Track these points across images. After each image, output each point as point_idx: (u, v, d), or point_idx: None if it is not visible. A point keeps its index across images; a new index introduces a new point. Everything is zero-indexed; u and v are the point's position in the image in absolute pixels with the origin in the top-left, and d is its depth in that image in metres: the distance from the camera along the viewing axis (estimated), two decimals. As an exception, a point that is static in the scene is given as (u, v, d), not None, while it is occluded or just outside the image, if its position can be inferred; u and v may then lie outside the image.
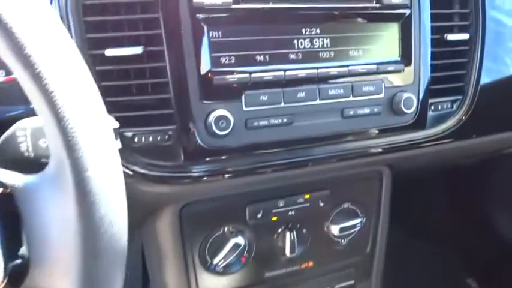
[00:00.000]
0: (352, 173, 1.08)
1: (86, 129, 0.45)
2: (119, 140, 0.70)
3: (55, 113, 0.42)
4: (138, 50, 0.76)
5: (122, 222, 0.49)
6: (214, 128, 0.79)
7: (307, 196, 1.05)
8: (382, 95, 0.93)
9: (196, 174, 0.83)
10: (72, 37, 0.74)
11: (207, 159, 0.83)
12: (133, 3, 0.77)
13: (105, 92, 0.76)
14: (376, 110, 0.93)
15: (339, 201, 1.10)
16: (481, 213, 1.80)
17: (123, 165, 0.79)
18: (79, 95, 0.46)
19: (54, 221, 0.45)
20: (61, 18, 0.74)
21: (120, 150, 0.78)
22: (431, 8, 0.96)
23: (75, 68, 0.47)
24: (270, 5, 0.82)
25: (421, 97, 0.97)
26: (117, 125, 0.68)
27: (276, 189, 1.02)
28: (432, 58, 0.99)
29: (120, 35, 0.77)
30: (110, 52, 0.75)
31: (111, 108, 0.77)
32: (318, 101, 0.88)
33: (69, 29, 0.74)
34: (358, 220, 1.12)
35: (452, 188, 1.84)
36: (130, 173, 0.80)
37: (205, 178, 0.85)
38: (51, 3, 0.73)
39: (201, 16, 0.77)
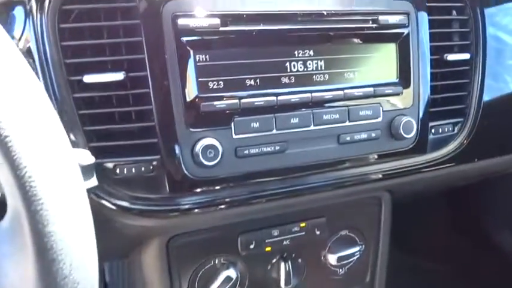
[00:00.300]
0: (350, 199, 1.03)
1: (47, 177, 0.39)
2: (94, 177, 0.65)
3: (10, 159, 0.37)
4: (119, 75, 0.71)
5: (91, 280, 0.43)
6: (201, 157, 0.74)
7: (302, 224, 0.99)
8: (380, 119, 0.88)
9: (183, 207, 0.78)
10: (49, 63, 0.69)
11: (195, 190, 0.78)
12: (114, 26, 0.72)
13: (83, 120, 0.72)
14: (374, 135, 0.88)
15: (336, 228, 1.05)
16: (483, 231, 1.75)
17: (104, 199, 0.74)
18: (38, 138, 0.41)
19: (10, 282, 0.39)
20: (37, 42, 0.69)
21: (101, 183, 0.73)
22: (429, 28, 0.92)
23: (33, 107, 0.41)
24: (261, 27, 0.78)
25: (420, 120, 0.92)
26: (92, 160, 0.63)
27: (269, 218, 0.96)
28: (432, 79, 0.95)
29: (100, 60, 0.72)
30: (89, 78, 0.70)
31: (89, 137, 0.73)
32: (312, 127, 0.83)
33: (45, 54, 0.69)
34: (357, 248, 1.07)
35: (452, 206, 1.79)
36: (112, 207, 0.75)
37: (193, 211, 0.79)
38: (24, 26, 0.68)
39: (186, 39, 0.73)
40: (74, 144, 0.71)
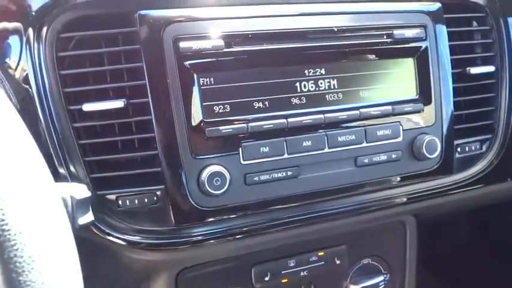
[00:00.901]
0: (372, 225, 0.96)
1: (21, 220, 0.35)
2: (90, 212, 0.61)
3: None
4: (119, 103, 0.68)
5: None
6: (207, 186, 0.69)
7: (321, 253, 0.93)
8: (400, 139, 0.82)
9: (190, 239, 0.73)
10: (47, 92, 0.67)
11: (202, 221, 0.73)
12: (113, 52, 0.69)
13: (83, 150, 0.69)
14: (394, 156, 0.82)
15: (357, 257, 0.98)
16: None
17: (108, 233, 0.70)
18: (12, 177, 0.36)
19: None
20: (34, 71, 0.66)
21: (104, 216, 0.70)
22: (449, 40, 0.87)
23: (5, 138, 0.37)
24: (268, 46, 0.74)
25: (445, 139, 0.86)
26: (88, 193, 0.59)
27: (285, 247, 0.90)
28: (455, 94, 0.88)
29: (100, 88, 0.69)
30: (88, 107, 0.67)
31: (90, 168, 0.69)
32: (326, 150, 0.77)
33: (43, 84, 0.67)
34: (381, 278, 0.99)
35: (480, 225, 1.68)
36: (117, 241, 0.70)
37: (201, 243, 0.74)
38: (20, 55, 0.66)
39: (189, 62, 0.69)
40: (74, 176, 0.68)
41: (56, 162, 0.67)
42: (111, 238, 0.70)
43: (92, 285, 0.92)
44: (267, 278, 0.89)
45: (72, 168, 0.67)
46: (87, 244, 0.71)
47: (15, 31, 0.67)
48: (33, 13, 0.66)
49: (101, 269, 0.83)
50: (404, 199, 0.86)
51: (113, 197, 0.70)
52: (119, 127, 0.70)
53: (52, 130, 0.67)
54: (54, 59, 0.67)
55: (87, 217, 0.58)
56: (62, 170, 0.67)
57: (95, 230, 0.69)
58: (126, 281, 0.90)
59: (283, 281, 0.90)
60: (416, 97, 0.84)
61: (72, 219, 0.54)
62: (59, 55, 0.67)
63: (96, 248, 0.73)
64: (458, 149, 0.90)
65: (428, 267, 1.47)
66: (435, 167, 0.86)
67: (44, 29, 0.66)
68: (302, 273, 0.91)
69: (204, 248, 0.77)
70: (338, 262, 0.94)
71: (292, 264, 0.90)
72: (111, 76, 0.70)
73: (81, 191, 0.57)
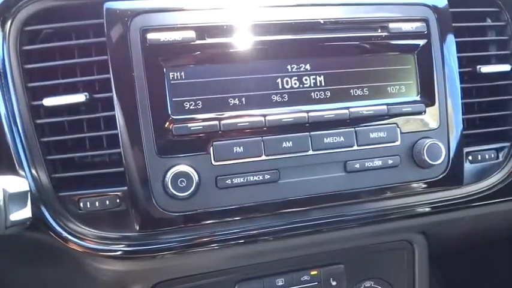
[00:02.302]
0: (372, 242, 0.86)
1: None
2: (28, 207, 0.56)
3: None
4: (80, 97, 0.64)
5: None
6: (171, 187, 0.63)
7: (314, 272, 0.83)
8: (397, 143, 0.73)
9: (156, 247, 0.67)
10: (9, 87, 0.64)
11: (169, 227, 0.66)
12: (78, 45, 0.66)
13: (45, 148, 0.65)
14: (391, 162, 0.73)
15: (357, 279, 0.87)
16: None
17: (67, 239, 0.65)
18: None
19: None
20: None
21: (63, 219, 0.65)
22: (457, 36, 0.78)
23: None
24: (245, 39, 0.68)
25: (451, 145, 0.76)
26: (25, 187, 0.55)
27: (274, 263, 0.82)
28: (466, 96, 0.79)
29: (62, 83, 0.66)
30: (49, 101, 0.64)
31: (51, 167, 0.65)
32: (310, 152, 0.70)
33: (6, 78, 0.64)
34: (385, 304, 0.88)
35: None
36: (77, 248, 0.65)
37: (167, 253, 0.68)
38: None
39: (157, 55, 0.65)
40: (34, 176, 0.64)
41: (16, 161, 0.64)
42: (71, 245, 0.65)
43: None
44: None
45: (32, 168, 0.64)
46: (49, 249, 0.66)
47: None
48: None
49: (70, 280, 0.78)
50: (405, 212, 0.76)
51: (74, 198, 0.65)
52: (79, 124, 0.67)
53: (13, 127, 0.64)
54: (18, 53, 0.64)
55: (23, 213, 0.53)
56: (21, 170, 0.63)
57: (53, 235, 0.64)
58: None
59: None
60: (417, 97, 0.75)
61: (4, 215, 0.49)
62: (23, 49, 0.65)
63: (58, 254, 0.68)
64: (470, 157, 0.80)
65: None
66: (441, 176, 0.76)
67: (8, 23, 0.64)
68: None
69: (177, 259, 0.71)
70: (334, 284, 0.84)
71: (280, 284, 0.82)
72: (75, 70, 0.66)
73: (18, 184, 0.53)
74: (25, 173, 0.64)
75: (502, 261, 1.48)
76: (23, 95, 0.65)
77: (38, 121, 0.65)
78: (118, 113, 0.64)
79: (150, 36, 0.65)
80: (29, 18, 0.65)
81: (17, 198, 0.52)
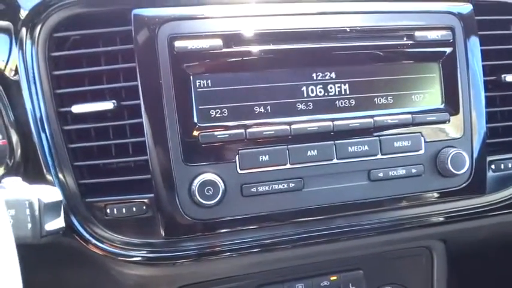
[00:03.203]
0: (392, 249, 0.86)
1: None
2: (62, 217, 0.57)
3: None
4: (108, 105, 0.65)
5: None
6: (198, 196, 0.64)
7: (333, 277, 0.84)
8: (421, 152, 0.73)
9: (179, 254, 0.67)
10: (38, 93, 0.65)
11: (194, 234, 0.67)
12: (106, 52, 0.66)
13: (74, 155, 0.65)
14: (414, 171, 0.73)
15: (376, 284, 0.88)
16: None
17: (93, 244, 0.66)
18: None
19: None
20: (26, 71, 0.65)
21: (90, 225, 0.66)
22: (481, 44, 0.78)
23: None
24: (271, 47, 0.68)
25: (475, 154, 0.76)
26: (59, 197, 0.56)
27: (294, 268, 0.82)
28: (489, 105, 0.79)
29: (90, 89, 0.66)
30: (77, 108, 0.65)
31: (79, 174, 0.66)
32: (335, 161, 0.70)
33: (35, 84, 0.65)
34: (404, 310, 0.88)
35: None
36: (103, 253, 0.66)
37: (194, 259, 0.68)
38: (9, 54, 0.65)
39: (184, 63, 0.65)
40: (62, 182, 0.64)
41: (44, 167, 0.64)
42: (96, 250, 0.66)
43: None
44: None
45: (60, 174, 0.64)
46: (75, 254, 0.67)
47: (7, 31, 0.66)
48: (26, 12, 0.64)
49: (94, 283, 0.79)
50: (427, 221, 0.77)
51: (101, 205, 0.66)
52: (107, 131, 0.67)
53: (41, 133, 0.65)
54: (46, 59, 0.65)
55: (57, 223, 0.54)
56: (48, 176, 0.64)
57: (79, 240, 0.65)
58: None
59: None
60: (442, 106, 0.75)
61: (39, 224, 0.50)
62: (51, 55, 0.65)
63: (84, 259, 0.69)
64: (493, 166, 0.80)
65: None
66: (464, 185, 0.76)
67: (37, 29, 0.64)
68: None
69: (199, 264, 0.72)
70: None
71: None
72: (104, 77, 0.67)
73: (52, 194, 0.53)
74: (52, 178, 0.64)
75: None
76: (51, 101, 0.65)
77: (66, 127, 0.66)
78: (145, 120, 0.64)
79: (178, 43, 0.65)
80: (57, 24, 0.65)
81: (52, 208, 0.53)
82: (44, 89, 0.65)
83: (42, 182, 0.64)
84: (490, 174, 0.79)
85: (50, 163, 0.65)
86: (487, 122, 0.78)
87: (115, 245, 0.66)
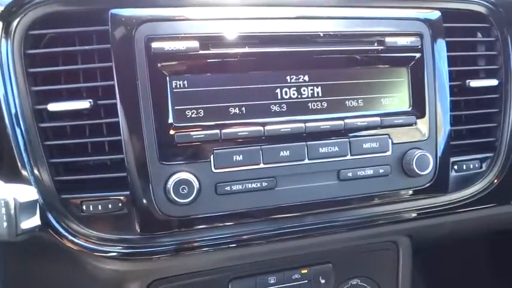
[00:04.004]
0: (360, 244, 0.90)
1: None
2: (37, 216, 0.58)
3: None
4: (85, 104, 0.66)
5: None
6: (173, 194, 0.66)
7: (304, 271, 0.87)
8: (389, 153, 0.77)
9: (154, 250, 0.69)
10: (14, 91, 0.65)
11: (169, 231, 0.69)
12: (83, 51, 0.67)
13: (49, 152, 0.66)
14: (382, 171, 0.76)
15: (345, 277, 0.92)
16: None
17: (69, 240, 0.67)
18: None
19: None
20: (2, 69, 0.65)
21: (66, 221, 0.67)
22: (448, 50, 0.81)
23: None
24: (247, 50, 0.70)
25: (439, 155, 0.80)
26: (35, 196, 0.57)
27: (267, 262, 0.85)
28: (454, 108, 0.83)
29: (67, 88, 0.67)
30: (53, 107, 0.65)
31: (54, 171, 0.67)
32: (306, 161, 0.73)
33: (10, 82, 0.65)
34: (370, 301, 0.93)
35: (493, 250, 1.58)
36: (79, 248, 0.67)
37: (168, 254, 0.70)
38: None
39: (161, 63, 0.66)
40: (37, 179, 0.65)
41: (19, 164, 0.65)
42: (72, 246, 0.67)
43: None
44: None
45: (35, 171, 0.65)
46: (51, 249, 0.68)
47: None
48: (1, 9, 0.64)
49: (70, 278, 0.80)
50: (393, 218, 0.81)
51: (77, 201, 0.67)
52: (83, 129, 0.68)
53: (17, 130, 0.65)
54: (22, 56, 0.65)
55: (32, 221, 0.55)
56: (24, 172, 0.65)
57: (55, 235, 0.66)
58: None
59: None
60: (409, 109, 0.78)
61: (15, 223, 0.51)
62: (27, 53, 0.65)
63: (60, 254, 0.70)
64: (455, 167, 0.84)
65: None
66: (428, 184, 0.80)
67: (13, 26, 0.64)
68: None
69: (175, 259, 0.74)
70: (323, 281, 0.88)
71: (272, 281, 0.85)
72: (81, 76, 0.67)
73: (27, 193, 0.55)
74: (28, 175, 0.65)
75: (479, 257, 1.56)
76: (27, 98, 0.65)
77: (42, 125, 0.66)
78: (122, 119, 0.66)
79: (155, 45, 0.66)
80: (33, 22, 0.65)
81: (27, 207, 0.54)
82: (19, 86, 0.65)
83: (18, 178, 0.64)
84: (452, 174, 0.84)
85: (26, 160, 0.65)
86: (451, 125, 0.82)
87: (91, 240, 0.67)
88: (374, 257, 0.94)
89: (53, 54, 0.67)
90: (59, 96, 0.67)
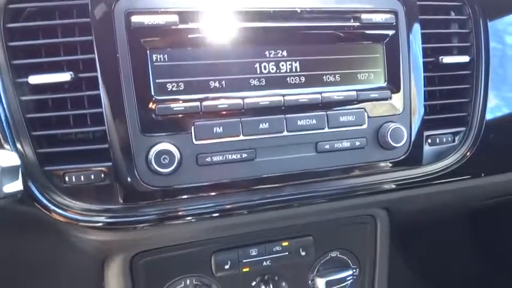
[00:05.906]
0: (339, 216, 0.93)
1: None
2: (20, 180, 0.60)
3: None
4: (65, 76, 0.67)
5: None
6: (154, 164, 0.67)
7: (285, 243, 0.90)
8: (365, 126, 0.80)
9: (138, 219, 0.71)
10: None
11: (151, 201, 0.71)
12: (63, 25, 0.68)
13: (31, 125, 0.67)
14: (358, 143, 0.79)
15: (324, 249, 0.95)
16: (503, 255, 1.58)
17: (53, 210, 0.69)
18: None
19: None
20: None
21: (49, 192, 0.68)
22: (422, 28, 0.84)
23: None
24: (226, 25, 0.72)
25: (413, 128, 0.83)
26: (17, 161, 0.58)
27: (248, 235, 0.88)
28: (428, 84, 0.86)
29: (47, 61, 0.68)
30: (34, 79, 0.66)
31: (37, 143, 0.68)
32: (285, 133, 0.75)
33: None
34: (349, 272, 0.96)
35: (471, 229, 1.63)
36: (62, 219, 0.69)
37: (150, 224, 0.72)
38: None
39: (141, 38, 0.68)
40: (20, 151, 0.66)
41: (1, 137, 0.66)
42: (56, 216, 0.68)
43: (49, 275, 0.90)
44: (227, 266, 0.86)
45: (18, 143, 0.66)
46: (34, 222, 0.69)
47: None
48: None
49: (54, 252, 0.81)
50: (370, 189, 0.83)
51: (59, 173, 0.68)
52: (65, 102, 0.69)
53: (1, 104, 0.66)
54: (2, 30, 0.65)
55: (15, 185, 0.56)
56: (6, 146, 0.66)
57: (39, 207, 0.67)
58: (81, 268, 0.88)
59: (244, 270, 0.88)
60: (384, 84, 0.81)
61: (-2, 187, 0.52)
62: (7, 26, 0.66)
63: (44, 226, 0.71)
64: (429, 140, 0.87)
65: (409, 265, 1.43)
66: (402, 157, 0.83)
67: None
68: (265, 263, 0.89)
69: (158, 230, 0.76)
70: (303, 253, 0.91)
71: (254, 253, 0.88)
72: (61, 49, 0.68)
73: (10, 158, 0.56)
74: (10, 147, 0.66)
75: (457, 235, 1.61)
76: (8, 71, 0.66)
77: (23, 98, 0.67)
78: (103, 92, 0.67)
79: (134, 19, 0.67)
80: None
81: (10, 172, 0.55)
82: None
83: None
84: (426, 147, 0.87)
85: (7, 132, 0.66)
86: (425, 100, 0.85)
87: (74, 211, 0.68)
88: (353, 230, 0.97)
89: (33, 28, 0.68)
90: (39, 70, 0.68)
